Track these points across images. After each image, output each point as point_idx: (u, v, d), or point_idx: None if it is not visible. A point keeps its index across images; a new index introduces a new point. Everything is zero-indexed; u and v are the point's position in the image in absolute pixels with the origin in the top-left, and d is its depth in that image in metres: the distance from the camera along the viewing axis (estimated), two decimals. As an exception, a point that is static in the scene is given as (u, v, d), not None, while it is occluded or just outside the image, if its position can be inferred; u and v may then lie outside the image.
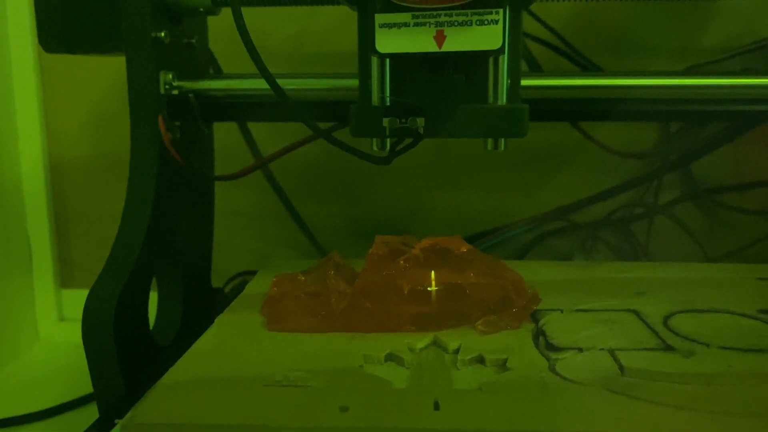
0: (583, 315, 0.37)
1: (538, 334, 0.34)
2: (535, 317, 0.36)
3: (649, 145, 0.60)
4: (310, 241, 0.64)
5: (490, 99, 0.37)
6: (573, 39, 0.57)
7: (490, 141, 0.38)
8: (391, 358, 0.32)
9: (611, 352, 0.32)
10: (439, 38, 0.35)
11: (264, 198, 0.64)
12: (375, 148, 0.39)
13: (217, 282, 0.56)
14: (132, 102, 0.44)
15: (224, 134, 0.55)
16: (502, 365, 0.31)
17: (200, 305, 0.52)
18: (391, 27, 0.35)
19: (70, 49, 0.45)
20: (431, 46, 0.35)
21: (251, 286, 0.43)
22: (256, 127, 0.57)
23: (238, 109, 0.52)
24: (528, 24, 0.54)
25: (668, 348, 0.32)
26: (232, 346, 0.34)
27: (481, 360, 0.32)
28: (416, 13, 0.35)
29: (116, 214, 0.58)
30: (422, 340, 0.33)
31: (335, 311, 0.35)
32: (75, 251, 0.74)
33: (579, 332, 0.34)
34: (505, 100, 0.37)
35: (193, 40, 0.49)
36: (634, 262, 0.47)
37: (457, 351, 0.33)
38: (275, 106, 0.49)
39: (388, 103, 0.38)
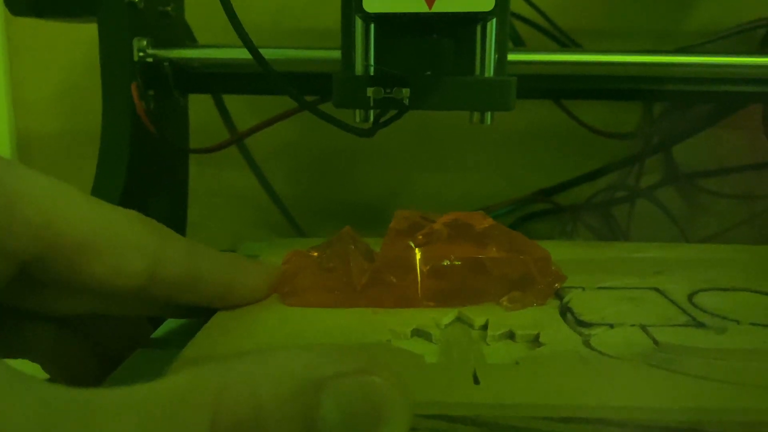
0: (606, 292, 0.32)
1: (565, 311, 0.30)
2: (558, 294, 0.32)
3: (631, 126, 0.56)
4: (288, 221, 0.58)
5: (477, 71, 0.34)
6: (556, 18, 0.53)
7: (476, 114, 0.35)
8: (417, 333, 0.28)
9: (643, 327, 0.28)
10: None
11: (240, 177, 0.58)
12: (357, 120, 0.35)
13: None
14: (104, 68, 0.38)
15: (200, 110, 0.49)
16: (535, 340, 0.27)
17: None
18: None
19: (39, 12, 0.38)
20: (421, 6, 0.31)
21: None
22: (232, 103, 0.51)
23: (216, 80, 0.45)
24: (513, 2, 0.50)
25: (699, 324, 0.28)
26: (251, 319, 0.28)
27: (511, 336, 0.28)
28: None
29: (87, 189, 0.52)
30: (447, 316, 0.29)
31: (356, 286, 0.30)
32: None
33: (605, 309, 0.30)
34: (492, 72, 0.33)
35: (169, 8, 0.43)
36: (646, 242, 0.43)
37: (484, 327, 0.29)
38: (255, 78, 0.44)
39: (372, 73, 0.33)
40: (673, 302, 0.31)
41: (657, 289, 0.33)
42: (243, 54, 0.33)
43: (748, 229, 0.54)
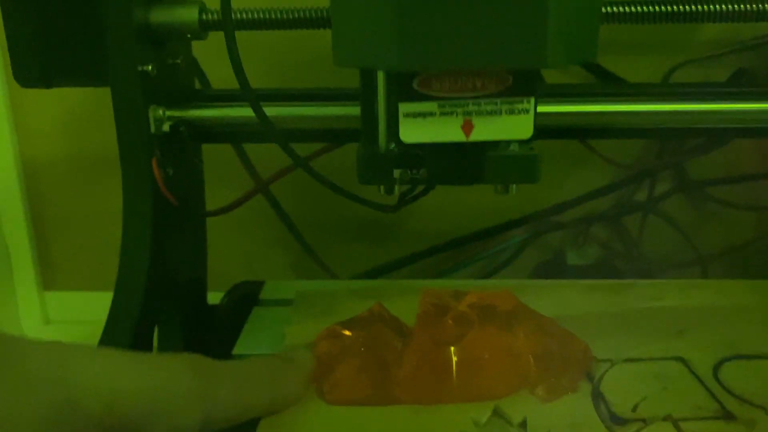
0: (634, 367, 0.33)
1: (599, 399, 0.31)
2: (588, 372, 0.33)
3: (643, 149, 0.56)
4: (297, 241, 0.58)
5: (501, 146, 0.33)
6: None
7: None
8: None
9: (675, 424, 0.29)
10: (467, 128, 0.31)
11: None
12: (382, 192, 0.35)
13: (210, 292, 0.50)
14: (121, 142, 0.37)
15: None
16: None
17: (200, 331, 0.46)
18: (416, 117, 0.31)
19: (48, 83, 0.37)
20: (458, 136, 0.31)
21: (289, 335, 0.37)
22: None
23: (231, 132, 0.44)
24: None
25: (728, 416, 0.29)
26: (295, 430, 0.29)
27: None
28: (442, 102, 0.30)
29: (95, 214, 0.51)
30: (484, 412, 0.30)
31: (394, 379, 0.31)
32: (55, 253, 0.67)
33: (636, 394, 0.31)
34: (517, 145, 0.33)
35: (179, 60, 0.42)
36: (659, 280, 0.43)
37: (522, 424, 0.29)
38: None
39: (396, 150, 0.33)
40: (699, 379, 0.32)
41: (682, 360, 0.33)
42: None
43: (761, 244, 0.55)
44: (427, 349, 0.31)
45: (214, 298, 0.52)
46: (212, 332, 0.47)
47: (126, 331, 0.36)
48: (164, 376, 0.23)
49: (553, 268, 0.60)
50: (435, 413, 0.30)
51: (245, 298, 0.48)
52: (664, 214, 0.56)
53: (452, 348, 0.31)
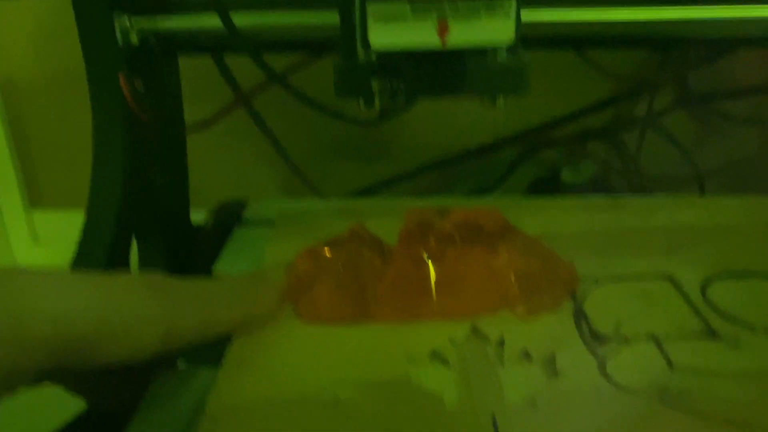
0: (619, 286, 0.32)
1: (580, 318, 0.30)
2: (572, 292, 0.32)
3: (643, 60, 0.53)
4: (283, 160, 0.56)
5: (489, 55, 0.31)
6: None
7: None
8: (435, 356, 0.28)
9: (657, 341, 0.28)
10: (442, 31, 0.28)
11: (235, 114, 0.56)
12: (362, 107, 0.33)
13: (194, 211, 0.49)
14: (87, 58, 0.35)
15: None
16: (551, 362, 0.27)
17: (182, 250, 0.45)
18: (387, 20, 0.28)
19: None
20: (433, 41, 0.29)
21: (269, 255, 0.36)
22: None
23: (204, 44, 0.42)
24: None
25: (712, 333, 0.28)
26: (269, 350, 0.28)
27: (527, 356, 0.28)
28: (415, 4, 0.28)
29: (79, 130, 0.49)
30: (461, 330, 0.29)
31: (372, 297, 0.30)
32: (40, 171, 0.66)
33: (620, 313, 0.30)
34: (505, 54, 0.31)
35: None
36: (651, 197, 0.42)
37: (500, 343, 0.28)
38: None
39: (375, 60, 0.31)
40: (686, 298, 0.31)
41: (670, 279, 0.33)
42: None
43: (760, 159, 0.53)
44: (405, 266, 0.30)
45: (200, 216, 0.51)
46: (195, 251, 0.47)
47: (100, 251, 0.35)
48: (117, 295, 0.22)
49: (547, 186, 0.58)
50: (411, 331, 0.29)
51: (229, 217, 0.47)
52: (663, 130, 0.54)
53: (431, 265, 0.30)
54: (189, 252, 0.46)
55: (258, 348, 0.28)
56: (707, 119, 0.54)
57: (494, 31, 0.28)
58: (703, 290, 0.32)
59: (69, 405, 0.27)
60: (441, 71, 0.31)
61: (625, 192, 0.56)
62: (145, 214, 0.39)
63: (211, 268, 0.39)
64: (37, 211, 0.66)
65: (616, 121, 0.54)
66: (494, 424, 0.24)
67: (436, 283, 0.30)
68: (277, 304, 0.30)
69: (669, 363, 0.26)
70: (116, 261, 0.35)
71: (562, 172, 0.57)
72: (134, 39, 0.36)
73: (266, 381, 0.27)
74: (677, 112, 0.54)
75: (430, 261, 0.30)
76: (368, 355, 0.28)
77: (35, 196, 0.66)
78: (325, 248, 0.33)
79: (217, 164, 0.60)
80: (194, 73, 0.46)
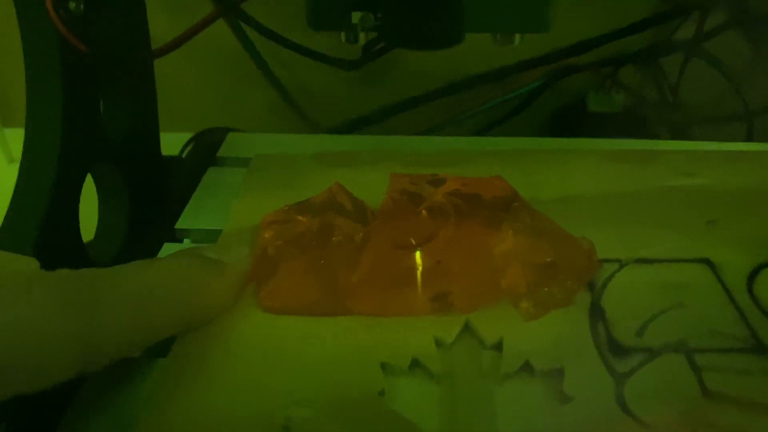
0: (647, 271, 0.27)
1: (597, 317, 0.24)
2: (590, 280, 0.26)
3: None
4: (269, 80, 0.49)
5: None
6: None
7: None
8: (416, 364, 0.23)
9: (688, 355, 0.23)
10: None
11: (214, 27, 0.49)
12: (343, 40, 0.27)
13: (169, 143, 0.43)
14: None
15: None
16: (557, 379, 0.22)
17: (151, 190, 0.40)
18: None
19: None
20: None
21: (234, 215, 0.31)
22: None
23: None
24: None
25: (759, 348, 0.23)
26: (215, 353, 0.24)
27: (529, 368, 0.23)
28: None
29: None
30: (452, 330, 0.24)
31: (345, 285, 0.25)
32: (10, 90, 0.60)
33: (645, 312, 0.24)
34: None
35: None
36: (694, 148, 0.36)
37: (497, 346, 0.24)
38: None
39: None
40: (728, 294, 0.25)
41: (708, 262, 0.27)
42: None
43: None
44: (385, 251, 0.25)
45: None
46: (167, 189, 0.42)
47: (39, 200, 0.30)
48: (19, 313, 0.18)
49: (571, 117, 0.52)
50: (390, 329, 0.24)
51: (207, 151, 0.42)
52: (710, 56, 0.46)
53: (417, 251, 0.25)
54: (156, 190, 0.41)
55: (202, 352, 0.23)
56: (763, 47, 0.46)
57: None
58: (750, 282, 0.26)
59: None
60: (439, 3, 0.24)
61: (658, 128, 0.49)
62: (97, 155, 0.34)
63: (180, 212, 0.35)
64: (9, 130, 0.61)
65: (655, 44, 0.47)
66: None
67: (422, 271, 0.24)
68: (233, 298, 0.25)
69: (703, 390, 0.21)
70: (62, 211, 0.30)
71: (589, 100, 0.50)
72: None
73: (206, 397, 0.22)
74: (728, 36, 0.46)
75: (416, 244, 0.25)
76: (334, 360, 0.23)
77: (8, 115, 0.61)
78: (298, 213, 0.28)
79: (205, 89, 0.53)
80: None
